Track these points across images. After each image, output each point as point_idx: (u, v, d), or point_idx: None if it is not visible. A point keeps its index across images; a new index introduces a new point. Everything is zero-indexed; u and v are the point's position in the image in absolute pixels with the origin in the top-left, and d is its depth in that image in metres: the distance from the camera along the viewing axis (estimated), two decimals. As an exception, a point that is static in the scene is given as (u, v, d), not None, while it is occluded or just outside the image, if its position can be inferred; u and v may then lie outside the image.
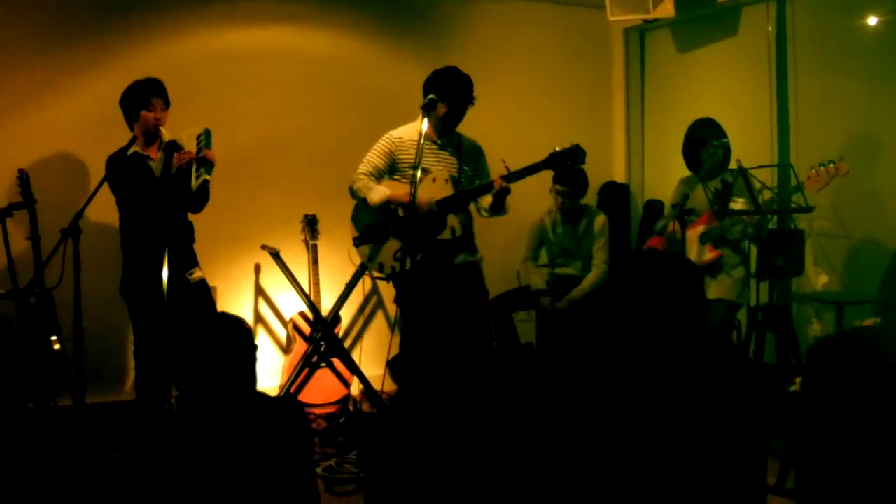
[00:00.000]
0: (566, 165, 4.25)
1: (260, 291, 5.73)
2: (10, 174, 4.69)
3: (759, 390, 2.19)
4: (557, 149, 4.27)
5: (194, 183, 4.20)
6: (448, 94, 4.34)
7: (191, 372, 2.50)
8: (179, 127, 4.42)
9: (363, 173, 4.47)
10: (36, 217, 4.58)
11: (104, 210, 4.50)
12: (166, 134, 4.31)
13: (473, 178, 4.53)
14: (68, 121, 5.14)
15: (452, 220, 4.38)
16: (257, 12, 5.61)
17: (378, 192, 4.40)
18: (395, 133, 4.50)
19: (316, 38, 5.80)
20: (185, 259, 4.42)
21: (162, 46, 5.36)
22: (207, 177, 4.19)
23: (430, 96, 4.28)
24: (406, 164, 4.41)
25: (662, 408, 2.12)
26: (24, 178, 4.61)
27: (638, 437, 2.11)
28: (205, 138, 4.28)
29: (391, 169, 4.49)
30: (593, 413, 2.21)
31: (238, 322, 2.59)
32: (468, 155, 4.51)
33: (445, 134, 4.48)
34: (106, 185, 4.25)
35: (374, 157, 4.49)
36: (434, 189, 4.36)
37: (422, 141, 4.14)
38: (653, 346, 2.24)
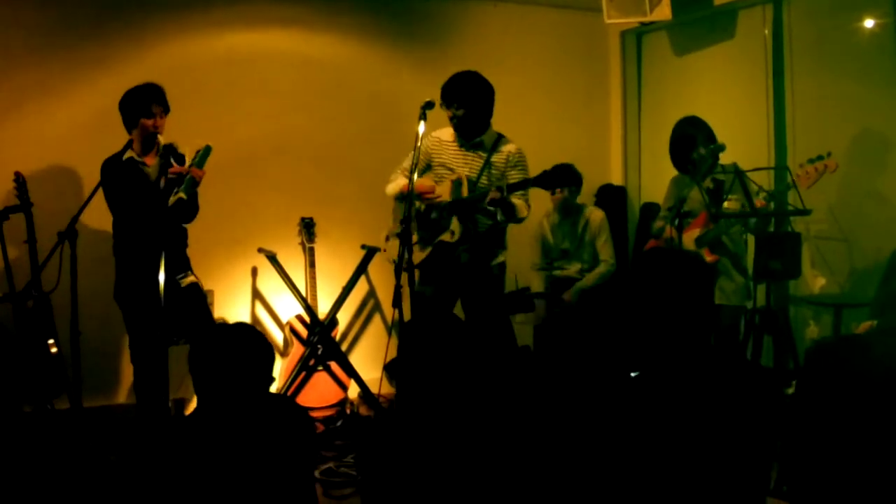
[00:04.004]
0: (557, 185, 4.29)
1: (257, 295, 5.73)
2: (6, 177, 4.68)
3: (760, 393, 2.18)
4: (552, 168, 4.30)
5: (171, 199, 4.12)
6: (461, 99, 4.43)
7: (217, 374, 2.50)
8: (178, 130, 4.41)
9: (399, 168, 4.69)
10: (32, 220, 4.58)
11: (101, 213, 4.50)
12: (163, 139, 4.29)
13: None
14: (65, 124, 5.13)
15: (454, 224, 4.43)
16: (255, 15, 5.61)
17: (394, 185, 4.64)
18: (436, 133, 4.65)
19: (314, 41, 5.80)
20: (178, 264, 4.41)
21: (160, 50, 5.36)
22: (183, 196, 4.09)
23: (429, 99, 4.30)
24: (437, 163, 4.60)
25: (665, 410, 2.12)
26: (20, 181, 4.61)
27: (639, 440, 2.11)
28: (200, 156, 4.20)
29: (428, 166, 4.66)
30: (593, 415, 2.21)
31: (268, 344, 2.61)
32: (499, 160, 4.51)
33: (470, 136, 4.50)
34: (101, 189, 4.26)
35: (412, 153, 4.62)
36: (452, 189, 4.44)
37: (418, 143, 4.21)
38: (658, 346, 2.24)
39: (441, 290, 4.56)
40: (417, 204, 4.58)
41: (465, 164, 4.50)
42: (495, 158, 4.49)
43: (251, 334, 2.61)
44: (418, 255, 4.50)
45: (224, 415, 2.51)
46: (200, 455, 2.43)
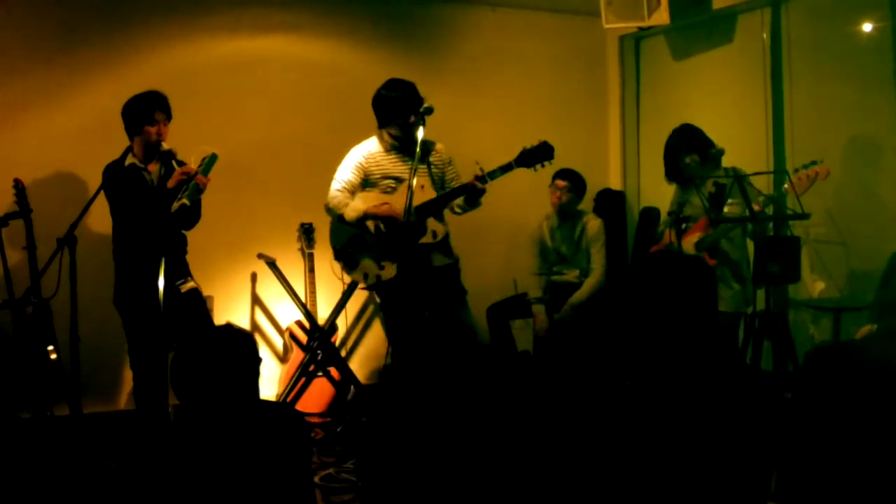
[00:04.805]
0: (537, 161, 4.36)
1: (256, 300, 5.72)
2: (5, 183, 4.68)
3: (760, 397, 2.19)
4: (527, 146, 4.35)
5: (174, 205, 4.10)
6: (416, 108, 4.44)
7: (192, 381, 2.51)
8: (177, 135, 4.41)
9: (338, 190, 4.65)
10: (32, 226, 4.58)
11: (100, 219, 4.51)
12: (165, 145, 4.30)
13: (443, 182, 4.62)
14: (65, 129, 5.13)
15: (433, 224, 4.49)
16: (255, 21, 5.62)
17: (353, 210, 4.58)
18: (362, 147, 4.64)
19: (314, 47, 5.81)
20: (177, 269, 4.41)
21: (161, 54, 5.37)
22: (186, 202, 4.07)
23: (427, 104, 4.31)
24: (377, 176, 4.58)
25: (665, 414, 2.12)
26: (19, 187, 4.61)
27: (640, 444, 2.11)
28: (207, 163, 4.18)
29: (364, 182, 4.63)
30: (594, 420, 2.21)
31: (242, 334, 2.61)
32: (437, 160, 4.60)
33: (409, 143, 4.51)
34: (102, 195, 4.26)
35: (346, 172, 4.65)
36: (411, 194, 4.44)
37: (418, 150, 4.22)
38: (660, 350, 2.24)
39: (417, 300, 4.56)
40: (371, 224, 4.57)
41: (409, 170, 4.46)
42: (433, 159, 4.57)
43: (229, 335, 2.62)
44: (388, 272, 4.52)
45: (216, 421, 2.51)
46: (197, 461, 2.43)
